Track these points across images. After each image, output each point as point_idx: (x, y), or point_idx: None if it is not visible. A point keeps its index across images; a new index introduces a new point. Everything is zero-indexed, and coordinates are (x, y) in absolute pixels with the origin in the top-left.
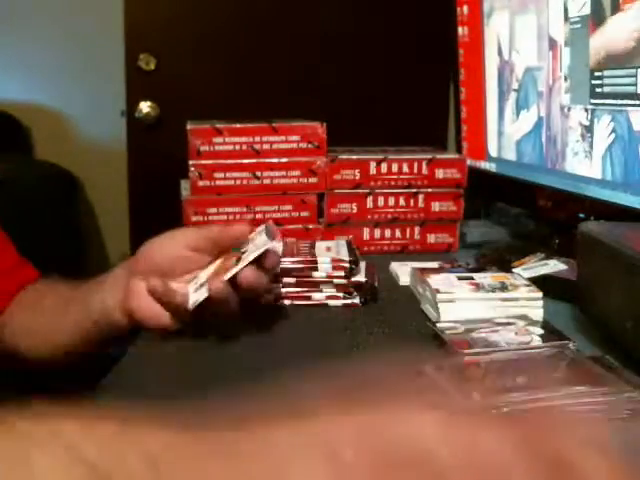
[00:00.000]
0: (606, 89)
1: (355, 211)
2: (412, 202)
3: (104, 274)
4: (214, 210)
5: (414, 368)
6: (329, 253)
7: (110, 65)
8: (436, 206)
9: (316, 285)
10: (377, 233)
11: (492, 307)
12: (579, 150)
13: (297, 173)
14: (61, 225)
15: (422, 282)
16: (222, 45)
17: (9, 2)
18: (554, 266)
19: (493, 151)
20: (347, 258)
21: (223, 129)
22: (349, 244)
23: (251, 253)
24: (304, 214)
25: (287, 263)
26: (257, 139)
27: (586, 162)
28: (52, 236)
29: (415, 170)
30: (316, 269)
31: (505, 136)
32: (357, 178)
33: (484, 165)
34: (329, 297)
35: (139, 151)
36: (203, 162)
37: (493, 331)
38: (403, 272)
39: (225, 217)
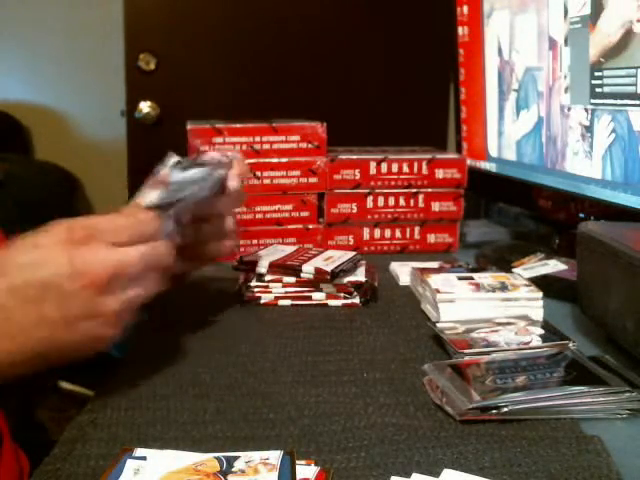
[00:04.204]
0: (606, 89)
1: (355, 211)
2: (412, 202)
3: None
4: None
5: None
6: (324, 262)
7: (110, 65)
8: (436, 206)
9: (316, 285)
10: (377, 233)
11: (492, 307)
12: (579, 150)
13: (297, 173)
14: None
15: (422, 282)
16: (222, 45)
17: (9, 2)
18: (554, 266)
19: (493, 151)
20: (329, 269)
21: (223, 129)
22: (355, 256)
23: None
24: (304, 214)
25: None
26: (257, 139)
27: (586, 162)
28: None
29: (415, 170)
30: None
31: (505, 136)
32: (357, 178)
33: (484, 165)
34: (329, 297)
35: (139, 151)
36: None
37: (493, 331)
38: (403, 272)
39: None
